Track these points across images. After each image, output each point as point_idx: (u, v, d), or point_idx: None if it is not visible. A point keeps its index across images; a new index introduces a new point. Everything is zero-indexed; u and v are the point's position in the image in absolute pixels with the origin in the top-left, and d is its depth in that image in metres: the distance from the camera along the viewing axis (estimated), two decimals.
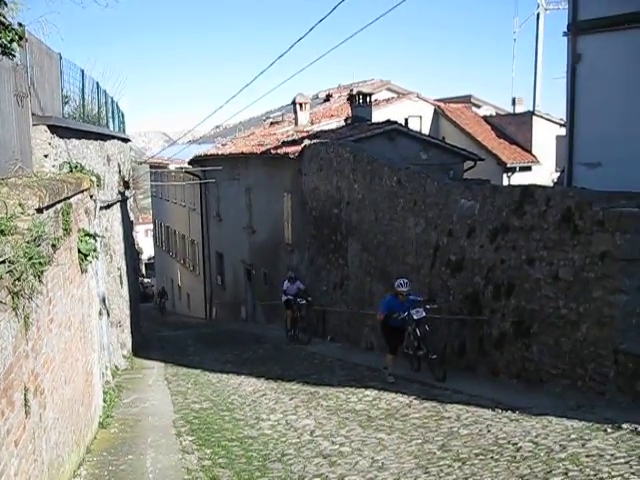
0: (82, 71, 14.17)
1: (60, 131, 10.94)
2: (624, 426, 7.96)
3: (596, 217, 9.85)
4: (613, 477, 6.37)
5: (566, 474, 6.64)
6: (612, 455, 7.02)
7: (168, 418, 10.98)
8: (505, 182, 28.42)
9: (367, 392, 11.90)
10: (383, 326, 13.16)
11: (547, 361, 10.67)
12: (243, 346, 20.25)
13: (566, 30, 13.88)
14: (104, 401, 11.14)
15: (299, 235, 23.06)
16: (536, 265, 11.04)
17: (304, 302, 19.97)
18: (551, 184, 22.44)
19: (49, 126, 10.18)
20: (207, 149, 34.15)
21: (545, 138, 29.86)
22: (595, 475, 6.49)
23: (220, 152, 30.96)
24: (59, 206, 7.66)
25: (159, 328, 30.90)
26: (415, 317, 12.65)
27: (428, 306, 12.88)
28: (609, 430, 7.96)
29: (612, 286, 9.50)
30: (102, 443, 9.30)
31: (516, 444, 7.91)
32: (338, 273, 19.20)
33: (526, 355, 11.11)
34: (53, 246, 6.97)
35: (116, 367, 15.26)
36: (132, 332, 19.59)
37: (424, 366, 13.06)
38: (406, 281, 12.87)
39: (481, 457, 7.68)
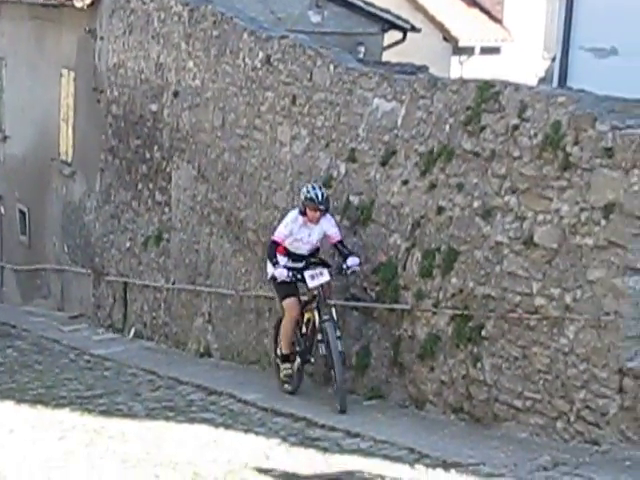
0: None
1: None
2: None
3: (601, 142, 10.01)
4: None
5: None
6: None
7: None
8: (456, 71, 28.79)
9: (197, 429, 11.94)
10: None
11: (507, 385, 10.92)
12: None
13: None
14: None
15: (86, 148, 22.84)
16: (497, 220, 11.19)
17: (326, 276, 13.24)
18: (534, 81, 22.85)
19: None
20: None
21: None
22: None
23: None
24: None
25: None
26: None
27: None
28: None
29: (621, 262, 9.71)
30: None
31: None
32: (153, 219, 19.04)
33: (473, 374, 11.35)
34: None
35: None
36: None
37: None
38: None
39: None
